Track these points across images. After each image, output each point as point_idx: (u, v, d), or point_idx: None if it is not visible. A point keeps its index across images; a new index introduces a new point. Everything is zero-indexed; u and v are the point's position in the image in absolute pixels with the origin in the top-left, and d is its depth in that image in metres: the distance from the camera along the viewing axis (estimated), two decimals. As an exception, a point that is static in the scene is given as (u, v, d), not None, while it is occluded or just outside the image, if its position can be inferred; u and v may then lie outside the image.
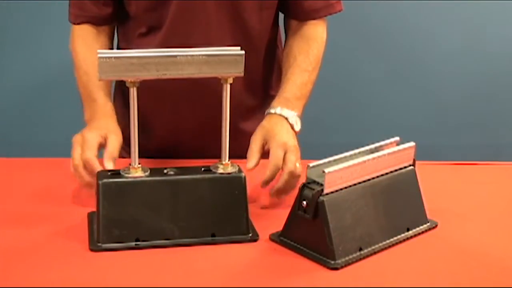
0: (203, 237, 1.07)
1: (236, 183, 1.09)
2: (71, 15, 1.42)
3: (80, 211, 1.16)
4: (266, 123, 1.29)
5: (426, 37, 2.67)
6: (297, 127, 1.31)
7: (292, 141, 1.24)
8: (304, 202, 1.01)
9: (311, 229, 1.01)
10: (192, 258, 1.03)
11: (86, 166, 1.16)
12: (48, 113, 2.62)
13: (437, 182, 1.32)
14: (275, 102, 1.34)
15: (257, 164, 1.21)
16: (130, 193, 1.06)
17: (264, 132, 1.26)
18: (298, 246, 1.04)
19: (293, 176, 1.18)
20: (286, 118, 1.30)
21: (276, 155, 1.20)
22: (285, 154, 1.20)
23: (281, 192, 1.19)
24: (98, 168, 1.14)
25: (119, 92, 1.50)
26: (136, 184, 1.07)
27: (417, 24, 2.65)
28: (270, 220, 1.12)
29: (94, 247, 1.04)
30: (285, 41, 1.46)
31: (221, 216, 1.08)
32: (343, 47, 2.56)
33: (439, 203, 1.20)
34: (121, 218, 1.05)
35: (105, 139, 1.21)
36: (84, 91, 1.35)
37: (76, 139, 1.21)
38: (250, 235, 1.09)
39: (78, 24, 1.40)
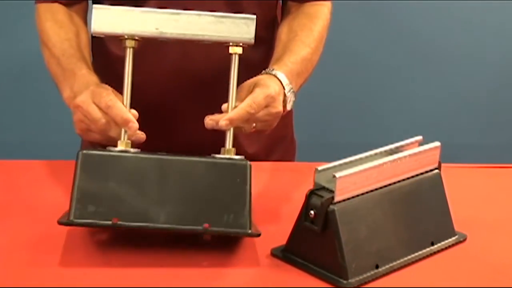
0: (193, 225, 0.96)
1: (239, 170, 1.00)
2: None
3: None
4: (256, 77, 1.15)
5: (449, 29, 2.64)
6: (289, 106, 1.18)
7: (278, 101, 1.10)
8: (312, 212, 0.94)
9: (319, 243, 0.95)
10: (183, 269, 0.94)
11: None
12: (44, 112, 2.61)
13: (465, 188, 1.26)
14: (271, 64, 1.21)
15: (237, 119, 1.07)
16: (112, 167, 0.98)
17: (253, 81, 1.12)
18: (305, 262, 0.98)
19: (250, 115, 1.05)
20: (281, 82, 1.16)
21: (255, 97, 1.07)
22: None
23: (233, 122, 1.05)
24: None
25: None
26: (122, 158, 0.99)
27: (439, 16, 2.62)
28: (271, 232, 1.04)
29: (64, 220, 0.94)
30: (281, 22, 1.37)
31: (217, 205, 0.98)
32: (359, 37, 2.53)
33: (468, 212, 1.15)
34: (99, 193, 0.96)
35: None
36: (59, 69, 1.22)
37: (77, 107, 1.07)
38: (250, 231, 0.97)
39: (46, 2, 1.30)
